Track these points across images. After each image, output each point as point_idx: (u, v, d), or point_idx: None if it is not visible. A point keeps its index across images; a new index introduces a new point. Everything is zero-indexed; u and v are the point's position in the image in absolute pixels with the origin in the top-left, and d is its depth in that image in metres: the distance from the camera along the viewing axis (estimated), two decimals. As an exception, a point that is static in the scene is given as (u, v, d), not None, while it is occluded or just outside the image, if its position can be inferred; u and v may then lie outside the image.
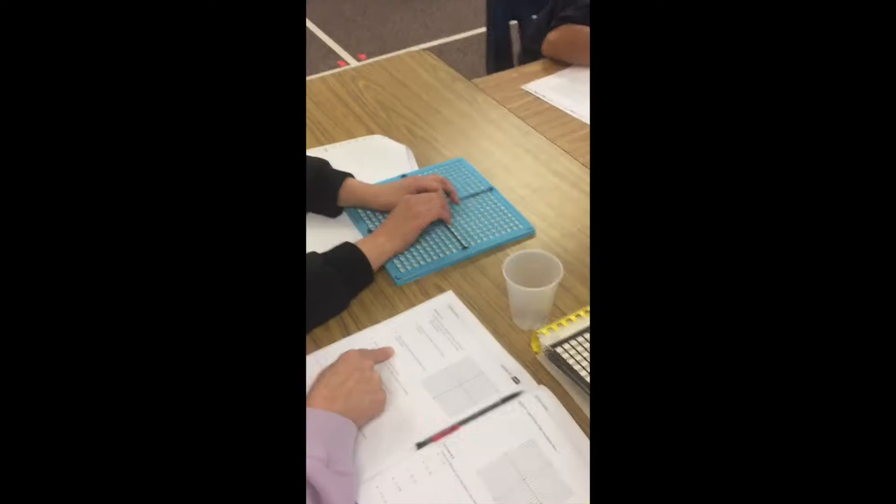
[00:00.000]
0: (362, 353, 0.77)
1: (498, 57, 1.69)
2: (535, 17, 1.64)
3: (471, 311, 0.87)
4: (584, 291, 0.88)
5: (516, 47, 1.72)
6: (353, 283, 0.88)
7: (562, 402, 0.73)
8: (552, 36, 1.41)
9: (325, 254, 0.87)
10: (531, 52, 1.52)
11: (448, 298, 0.89)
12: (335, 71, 1.43)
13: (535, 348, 0.80)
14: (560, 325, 0.80)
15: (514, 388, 0.76)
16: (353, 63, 3.06)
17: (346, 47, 3.20)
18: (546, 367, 0.79)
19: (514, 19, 1.69)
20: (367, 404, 0.71)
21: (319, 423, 0.65)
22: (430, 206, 0.96)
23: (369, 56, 3.10)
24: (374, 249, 0.90)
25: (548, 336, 0.78)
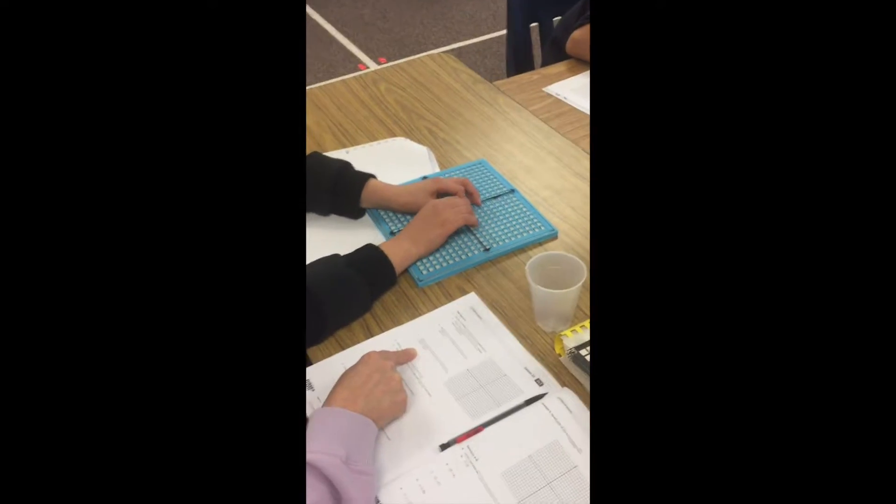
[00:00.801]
0: (383, 354, 0.77)
1: (518, 60, 1.69)
2: (556, 18, 1.64)
3: (493, 313, 0.87)
4: (608, 293, 0.87)
5: (537, 50, 1.72)
6: (375, 284, 0.88)
7: (585, 405, 0.73)
8: (577, 34, 1.41)
9: (347, 256, 0.87)
10: (558, 47, 1.51)
11: (470, 300, 0.89)
12: (357, 74, 1.43)
13: (558, 350, 0.79)
14: (583, 327, 0.79)
15: (537, 390, 0.76)
16: (374, 67, 3.08)
17: (366, 51, 3.21)
18: (569, 370, 0.78)
19: (534, 22, 1.68)
20: (388, 405, 0.71)
21: (339, 422, 0.66)
22: (457, 213, 0.96)
23: (389, 60, 3.11)
24: (398, 253, 0.90)
25: (571, 338, 0.78)
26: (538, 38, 1.73)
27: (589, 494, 0.65)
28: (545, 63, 1.60)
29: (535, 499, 0.65)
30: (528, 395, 0.75)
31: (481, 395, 0.76)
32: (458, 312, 0.87)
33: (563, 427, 0.71)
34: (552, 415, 0.72)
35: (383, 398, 0.71)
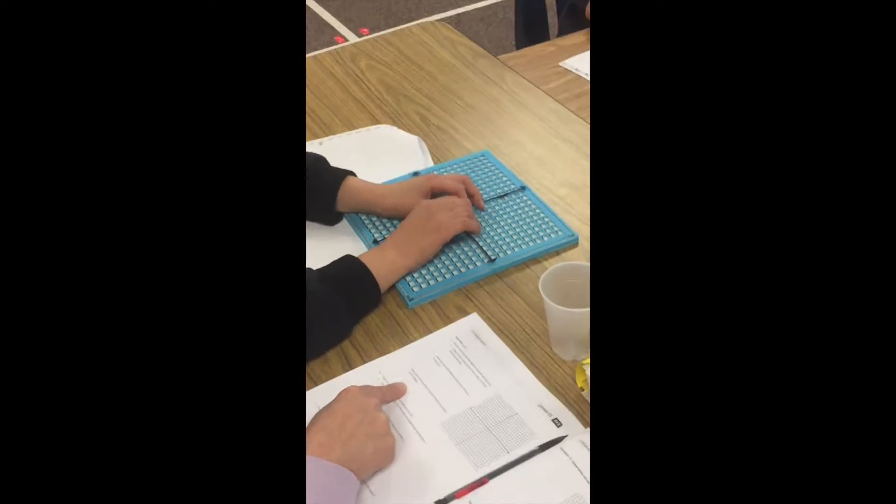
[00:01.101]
0: (365, 389, 0.77)
1: (529, 27, 1.70)
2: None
3: (500, 337, 0.86)
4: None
5: (552, 18, 1.73)
6: (356, 305, 0.88)
7: (614, 450, 0.72)
8: None
9: (321, 269, 0.87)
10: (577, 14, 1.51)
11: (472, 323, 0.88)
12: (332, 49, 1.44)
13: (580, 383, 0.79)
14: (611, 353, 0.79)
15: (555, 433, 0.76)
16: (354, 39, 3.09)
17: (345, 21, 3.23)
18: None
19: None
20: (372, 452, 0.71)
21: (313, 475, 0.65)
22: (455, 215, 0.95)
23: (373, 31, 3.12)
24: (383, 265, 0.89)
25: None
26: (553, 2, 1.74)
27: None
28: (562, 32, 1.60)
29: (554, 566, 0.64)
30: (544, 438, 0.75)
31: (487, 440, 0.75)
32: (457, 338, 0.86)
33: (587, 476, 0.70)
34: (573, 462, 0.71)
35: (366, 443, 0.70)
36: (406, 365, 0.84)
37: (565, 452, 0.72)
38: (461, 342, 0.86)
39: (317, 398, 0.80)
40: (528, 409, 0.78)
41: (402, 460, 0.74)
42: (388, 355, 0.85)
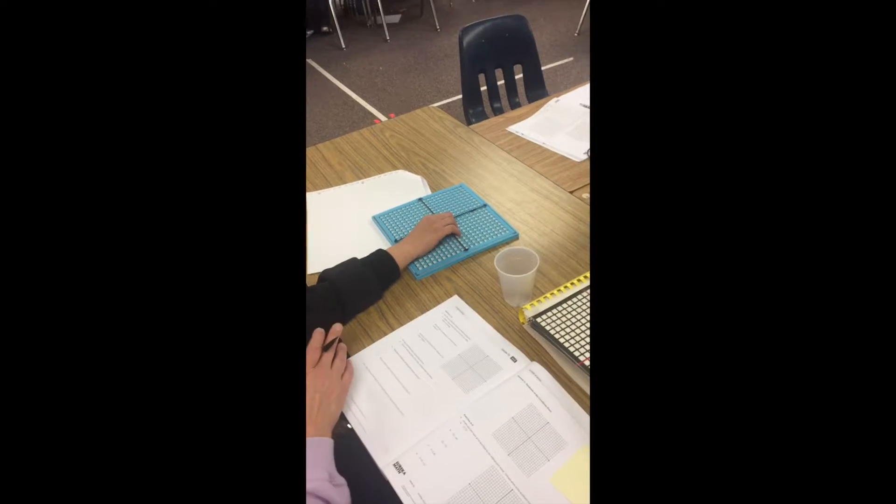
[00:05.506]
0: (317, 366, 0.59)
1: (469, 97, 1.53)
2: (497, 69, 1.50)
3: (473, 295, 0.76)
4: (556, 276, 0.78)
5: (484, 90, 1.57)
6: (384, 278, 0.78)
7: (550, 373, 0.62)
8: None
9: (363, 259, 0.78)
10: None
11: (455, 301, 0.76)
12: (371, 127, 1.33)
13: (521, 320, 0.70)
14: (539, 301, 0.70)
15: (512, 367, 0.65)
16: (384, 119, 2.94)
17: (380, 109, 3.07)
18: (531, 334, 0.68)
19: (480, 72, 1.53)
20: (335, 403, 0.57)
21: (311, 451, 0.51)
22: (445, 222, 0.87)
23: (397, 114, 2.97)
24: (402, 254, 0.80)
25: (530, 310, 0.69)
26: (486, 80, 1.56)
27: (560, 443, 0.55)
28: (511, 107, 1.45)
29: (520, 450, 0.55)
30: (506, 370, 0.64)
31: (470, 373, 0.65)
32: (446, 311, 0.74)
33: (536, 392, 0.60)
34: (526, 384, 0.61)
35: (330, 406, 0.56)
36: (416, 331, 0.71)
37: (520, 378, 0.62)
38: (449, 314, 0.73)
39: (377, 349, 0.68)
40: (494, 352, 0.67)
41: (418, 392, 0.62)
42: (404, 326, 0.71)
